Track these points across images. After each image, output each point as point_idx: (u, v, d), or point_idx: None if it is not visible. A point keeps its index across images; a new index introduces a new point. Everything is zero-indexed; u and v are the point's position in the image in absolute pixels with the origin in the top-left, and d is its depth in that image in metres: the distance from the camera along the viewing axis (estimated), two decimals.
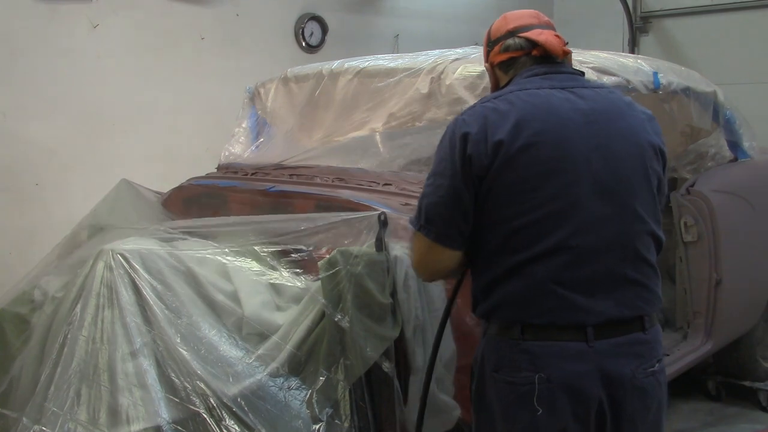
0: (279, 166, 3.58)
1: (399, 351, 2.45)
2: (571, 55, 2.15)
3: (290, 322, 2.47)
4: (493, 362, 2.01)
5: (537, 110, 1.97)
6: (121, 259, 2.48)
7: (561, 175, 1.93)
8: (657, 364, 2.02)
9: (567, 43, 2.13)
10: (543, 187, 1.92)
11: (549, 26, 2.17)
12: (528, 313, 1.95)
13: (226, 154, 4.02)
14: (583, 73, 2.16)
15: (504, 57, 2.13)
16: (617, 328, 1.95)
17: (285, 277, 2.60)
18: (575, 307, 1.92)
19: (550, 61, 2.10)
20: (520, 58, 2.11)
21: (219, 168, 3.97)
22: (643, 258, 1.99)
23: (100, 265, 2.48)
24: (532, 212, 1.93)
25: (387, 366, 2.36)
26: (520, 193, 1.93)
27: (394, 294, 2.44)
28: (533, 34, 2.10)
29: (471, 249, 2.03)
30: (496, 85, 2.20)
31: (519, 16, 2.18)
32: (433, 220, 1.98)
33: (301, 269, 2.61)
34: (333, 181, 3.20)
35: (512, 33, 2.13)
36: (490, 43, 2.20)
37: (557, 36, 2.11)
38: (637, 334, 1.98)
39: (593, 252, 1.93)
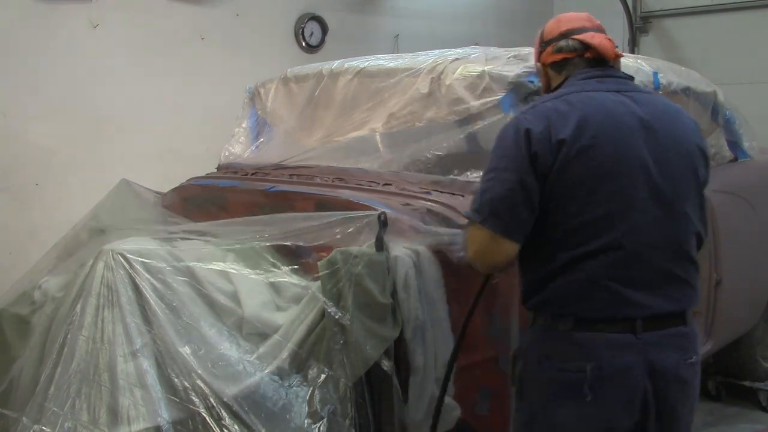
0: (279, 166, 3.58)
1: (399, 350, 2.45)
2: (620, 59, 2.24)
3: (290, 322, 2.47)
4: (544, 350, 2.10)
5: (595, 113, 2.05)
6: (121, 259, 2.48)
7: (618, 177, 2.03)
8: (695, 356, 2.13)
9: (617, 46, 2.21)
10: (601, 188, 2.02)
11: (600, 30, 2.25)
12: (581, 306, 2.04)
13: (226, 154, 4.02)
14: (632, 78, 2.24)
15: (557, 58, 2.22)
16: (662, 321, 2.06)
17: (285, 276, 2.60)
18: (626, 302, 2.02)
19: (602, 64, 2.19)
20: (572, 60, 2.20)
21: (219, 168, 3.97)
22: (688, 257, 2.11)
23: (100, 265, 2.48)
24: (590, 211, 2.02)
25: (387, 365, 2.37)
26: (579, 193, 2.02)
27: (394, 294, 2.44)
28: (586, 37, 2.18)
29: (525, 243, 2.09)
30: (547, 84, 2.29)
31: (572, 18, 2.25)
32: (499, 213, 2.03)
33: (301, 269, 2.61)
34: (333, 181, 3.20)
35: (565, 35, 2.21)
36: (543, 44, 2.27)
37: (609, 39, 2.20)
38: (680, 327, 2.09)
39: (645, 250, 2.04)
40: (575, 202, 2.02)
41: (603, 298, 2.03)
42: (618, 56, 2.20)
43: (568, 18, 2.26)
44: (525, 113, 2.10)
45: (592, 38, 2.18)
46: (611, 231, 2.01)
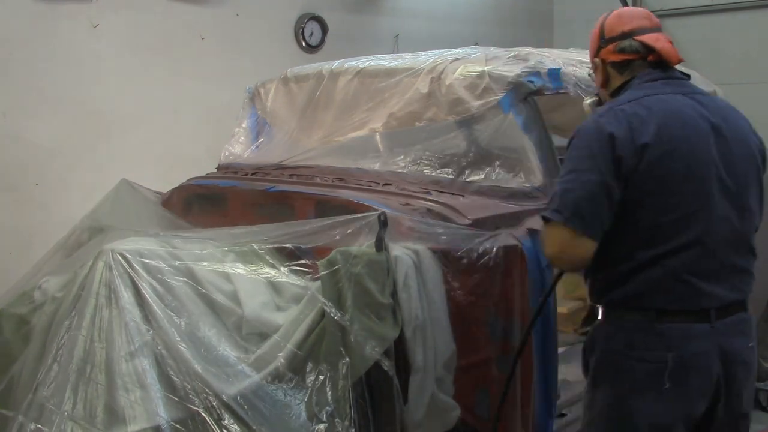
0: (279, 166, 3.58)
1: (399, 350, 2.45)
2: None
3: (290, 322, 2.47)
4: (623, 342, 2.20)
5: (672, 117, 2.16)
6: (121, 259, 2.48)
7: (695, 178, 2.14)
8: (753, 341, 2.28)
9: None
10: (681, 189, 2.14)
11: (659, 28, 2.32)
12: (662, 299, 2.16)
13: (226, 154, 4.02)
14: (689, 76, 2.33)
15: (619, 58, 2.29)
16: (729, 309, 2.20)
17: (285, 276, 2.60)
18: (703, 294, 2.16)
19: (663, 66, 2.28)
20: (635, 62, 2.27)
21: (219, 168, 3.97)
22: (750, 248, 2.26)
23: (100, 264, 2.47)
24: (671, 212, 2.14)
25: (387, 365, 2.36)
26: (661, 194, 2.13)
27: (394, 294, 2.44)
28: (650, 39, 2.25)
29: (604, 241, 2.17)
30: (605, 81, 2.36)
31: (633, 16, 2.31)
32: (581, 213, 2.11)
33: (301, 269, 2.61)
34: (333, 181, 3.20)
35: (628, 35, 2.27)
36: (604, 41, 2.33)
37: (670, 41, 2.28)
38: (742, 314, 2.24)
39: (718, 246, 2.17)
40: (657, 203, 2.13)
41: (682, 291, 2.15)
42: (680, 61, 2.28)
43: (629, 15, 2.31)
44: (603, 116, 2.17)
45: (656, 41, 2.24)
46: (690, 230, 2.13)
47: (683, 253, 2.14)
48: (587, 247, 2.14)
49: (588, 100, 2.56)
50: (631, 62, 2.28)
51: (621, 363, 2.21)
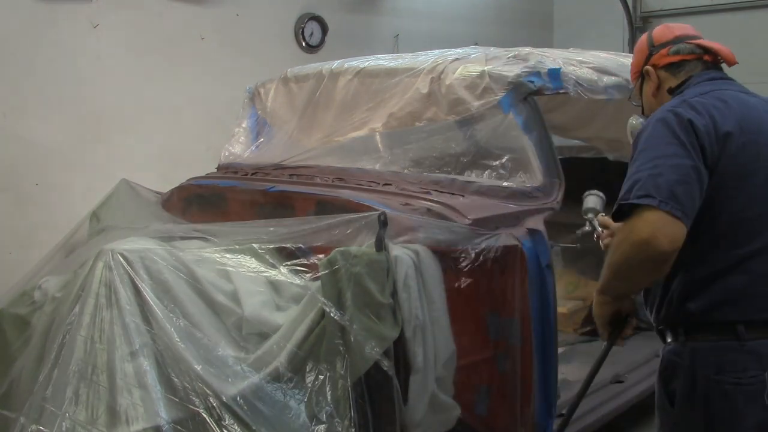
0: (279, 166, 3.58)
1: (399, 350, 2.45)
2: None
3: (290, 322, 2.47)
4: (711, 366, 2.03)
5: (749, 110, 2.11)
6: (121, 259, 2.48)
7: None
8: None
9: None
10: (761, 183, 2.04)
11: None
12: (750, 308, 2.01)
13: (226, 154, 4.02)
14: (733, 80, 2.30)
15: (675, 59, 2.27)
16: None
17: (285, 276, 2.60)
18: None
19: (717, 67, 2.28)
20: (691, 62, 2.26)
21: (219, 168, 3.98)
22: None
23: (100, 265, 2.47)
24: (755, 207, 2.03)
25: (386, 365, 2.36)
26: (743, 187, 2.03)
27: (394, 294, 2.44)
28: (704, 41, 2.27)
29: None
30: (657, 87, 2.31)
31: (681, 25, 2.35)
32: (677, 196, 1.93)
33: (301, 269, 2.61)
34: (333, 181, 3.20)
35: (680, 39, 2.28)
36: (654, 47, 2.32)
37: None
38: None
39: None
40: (740, 197, 2.03)
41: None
42: (736, 63, 2.29)
43: (677, 25, 2.35)
44: (678, 107, 2.06)
45: (712, 43, 2.26)
46: None
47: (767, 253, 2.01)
48: (681, 231, 1.92)
49: (635, 120, 2.46)
50: (686, 63, 2.26)
51: (713, 389, 2.03)
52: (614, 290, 2.17)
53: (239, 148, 4.01)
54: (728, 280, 2.02)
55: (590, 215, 2.65)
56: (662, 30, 2.34)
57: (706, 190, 2.00)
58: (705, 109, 2.05)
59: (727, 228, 2.03)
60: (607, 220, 2.42)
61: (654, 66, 2.30)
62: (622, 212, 2.00)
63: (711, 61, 2.26)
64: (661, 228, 1.91)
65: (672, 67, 2.28)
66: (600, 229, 2.52)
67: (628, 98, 2.60)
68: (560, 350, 3.06)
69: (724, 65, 2.33)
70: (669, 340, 2.15)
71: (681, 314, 2.09)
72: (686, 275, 2.07)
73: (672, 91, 2.25)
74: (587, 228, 2.67)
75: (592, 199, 2.70)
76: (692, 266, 2.06)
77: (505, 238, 2.72)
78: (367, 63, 3.60)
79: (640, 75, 2.36)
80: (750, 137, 2.05)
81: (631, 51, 7.53)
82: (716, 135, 2.02)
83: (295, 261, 2.63)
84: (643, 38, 2.38)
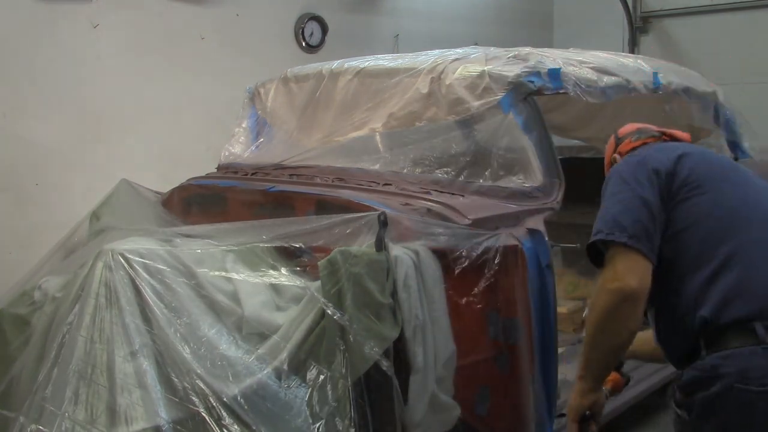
0: (279, 166, 3.58)
1: (399, 350, 2.45)
2: None
3: (290, 322, 2.47)
4: (734, 375, 1.98)
5: (689, 146, 2.39)
6: (121, 259, 2.47)
7: (728, 179, 2.27)
8: None
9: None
10: (721, 188, 2.21)
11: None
12: (757, 298, 2.02)
13: (226, 154, 4.02)
14: None
15: (637, 143, 2.49)
16: None
17: (285, 276, 2.60)
18: None
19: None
20: (650, 144, 2.48)
21: (219, 168, 3.98)
22: None
23: (100, 265, 2.47)
24: (719, 209, 2.17)
25: (386, 365, 2.36)
26: (712, 189, 2.19)
27: (394, 294, 2.44)
28: (664, 129, 2.56)
29: (671, 258, 2.15)
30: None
31: (644, 124, 2.64)
32: (621, 223, 2.12)
33: (301, 269, 2.61)
34: (333, 181, 3.20)
35: (641, 131, 2.57)
36: (618, 140, 2.62)
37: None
38: None
39: None
40: (712, 197, 2.18)
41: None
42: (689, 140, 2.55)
43: (639, 124, 2.63)
44: (625, 158, 2.38)
45: (668, 129, 2.54)
46: (756, 218, 2.17)
47: (755, 244, 2.08)
48: (642, 264, 2.08)
49: None
50: (647, 145, 2.46)
51: (737, 397, 1.97)
52: (595, 364, 2.22)
53: (239, 148, 4.01)
54: (726, 279, 2.05)
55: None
56: (626, 127, 2.63)
57: (674, 207, 2.16)
58: (650, 152, 2.32)
59: (706, 233, 2.12)
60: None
61: (620, 153, 2.52)
62: (592, 257, 2.24)
63: (670, 139, 2.51)
64: (627, 268, 2.06)
65: (635, 151, 2.45)
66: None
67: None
68: (560, 350, 3.06)
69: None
70: (692, 361, 2.11)
71: (697, 326, 2.07)
72: (688, 286, 2.10)
73: None
74: None
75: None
76: (689, 277, 2.11)
77: (505, 238, 2.72)
78: (367, 63, 3.60)
79: (611, 165, 2.53)
80: (698, 155, 2.28)
81: (631, 51, 7.59)
82: (667, 160, 2.22)
83: (295, 261, 2.63)
84: (611, 137, 2.67)
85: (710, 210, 2.15)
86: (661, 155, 2.26)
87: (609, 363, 2.26)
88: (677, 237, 2.15)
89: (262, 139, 3.99)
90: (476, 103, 3.08)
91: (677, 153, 2.25)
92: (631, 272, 2.06)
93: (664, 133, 2.52)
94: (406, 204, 2.82)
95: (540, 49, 3.42)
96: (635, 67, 3.59)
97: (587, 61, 3.36)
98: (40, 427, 2.23)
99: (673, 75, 3.77)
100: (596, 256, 2.24)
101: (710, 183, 2.19)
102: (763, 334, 1.98)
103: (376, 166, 3.28)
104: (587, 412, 2.32)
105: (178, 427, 2.26)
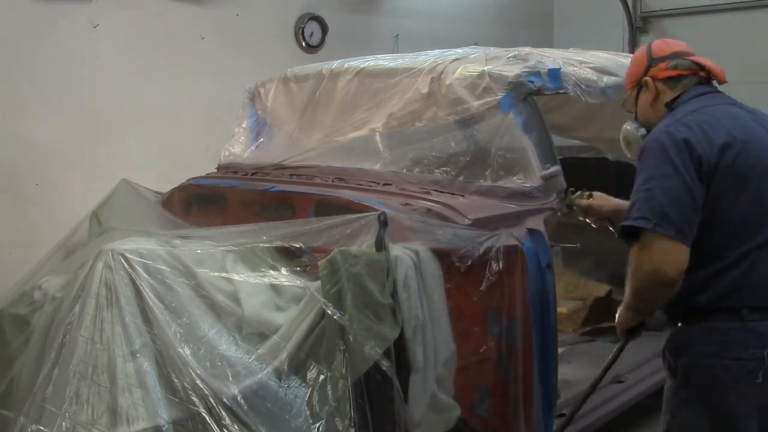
0: (279, 166, 3.58)
1: (398, 350, 2.45)
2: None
3: (290, 322, 2.47)
4: (718, 343, 2.26)
5: (736, 122, 2.31)
6: (121, 259, 2.47)
7: (766, 177, 2.27)
8: None
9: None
10: (761, 186, 2.25)
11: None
12: (753, 296, 2.24)
13: (226, 154, 4.02)
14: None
15: (673, 73, 2.45)
16: None
17: (285, 276, 2.60)
18: None
19: (709, 83, 2.48)
20: (687, 77, 2.45)
21: (219, 168, 3.98)
22: None
23: (100, 265, 2.47)
24: (755, 207, 2.24)
25: (386, 365, 2.36)
26: (743, 191, 2.23)
27: (394, 294, 2.44)
28: (700, 59, 2.49)
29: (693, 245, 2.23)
30: (654, 98, 2.48)
31: (678, 42, 2.54)
32: (672, 219, 2.17)
33: (301, 269, 2.61)
34: (333, 181, 3.20)
35: (678, 54, 2.48)
36: (653, 60, 2.49)
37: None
38: None
39: None
40: (741, 200, 2.23)
41: None
42: (725, 81, 2.49)
43: (674, 41, 2.54)
44: (672, 126, 2.27)
45: (706, 61, 2.48)
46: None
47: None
48: (683, 251, 2.18)
49: (630, 126, 2.60)
50: (683, 78, 2.44)
51: (717, 365, 2.25)
52: (637, 309, 2.41)
53: (239, 148, 4.00)
54: (735, 273, 2.23)
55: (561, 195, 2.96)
56: (661, 44, 2.52)
57: (708, 199, 2.21)
58: (698, 125, 2.26)
59: (733, 229, 2.24)
60: (592, 203, 2.88)
61: (653, 77, 2.47)
62: (626, 232, 2.27)
63: (705, 77, 2.46)
64: (665, 257, 2.18)
65: (669, 81, 2.45)
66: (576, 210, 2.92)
67: (622, 105, 2.72)
68: (560, 350, 3.07)
69: (723, 64, 2.49)
70: (679, 324, 2.38)
71: (692, 305, 2.30)
72: (697, 273, 2.25)
73: (668, 105, 2.43)
74: (561, 206, 2.97)
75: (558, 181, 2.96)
76: (703, 265, 2.25)
77: (505, 238, 2.72)
78: (367, 63, 3.60)
79: (638, 84, 2.53)
80: (741, 146, 2.25)
81: (631, 51, 7.56)
82: (711, 147, 2.22)
83: (295, 261, 2.63)
84: (642, 50, 2.55)
85: (731, 214, 2.24)
86: (705, 140, 2.23)
87: (650, 310, 2.44)
88: (700, 229, 2.24)
89: (262, 139, 3.99)
90: (476, 103, 3.08)
91: (721, 141, 2.23)
92: (671, 261, 2.18)
93: (700, 67, 2.46)
94: (406, 204, 2.82)
95: (540, 49, 3.42)
96: None
97: (587, 61, 3.36)
98: (41, 427, 2.23)
99: None
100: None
101: (744, 183, 2.24)
102: (746, 315, 2.23)
103: (376, 166, 3.29)
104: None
105: (178, 427, 2.26)
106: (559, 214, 2.97)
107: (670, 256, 2.17)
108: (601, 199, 2.91)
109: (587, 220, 2.96)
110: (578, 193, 2.96)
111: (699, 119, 2.28)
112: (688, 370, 2.33)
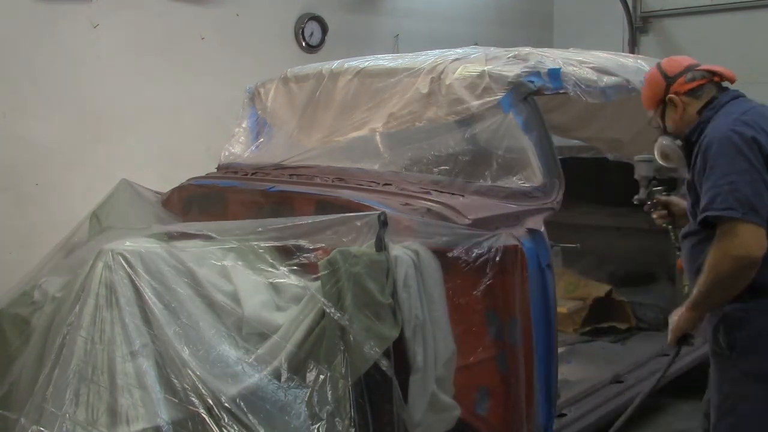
0: (279, 166, 3.58)
1: (398, 350, 2.45)
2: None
3: (290, 322, 2.47)
4: None
5: None
6: (121, 259, 2.48)
7: None
8: None
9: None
10: None
11: None
12: None
13: (226, 154, 4.02)
14: None
15: (693, 85, 2.67)
16: None
17: (285, 276, 2.60)
18: None
19: (725, 86, 2.71)
20: (705, 85, 2.67)
21: (219, 168, 3.98)
22: None
23: (100, 265, 2.47)
24: None
25: (386, 365, 2.37)
26: None
27: (394, 294, 2.44)
28: (708, 66, 2.71)
29: None
30: (683, 111, 2.68)
31: (686, 58, 2.78)
32: (757, 209, 2.36)
33: (301, 269, 2.61)
34: (333, 181, 3.20)
35: (690, 68, 2.70)
36: (669, 79, 2.70)
37: None
38: None
39: None
40: None
41: None
42: (735, 80, 2.72)
43: (682, 57, 2.78)
44: (735, 125, 2.47)
45: (715, 67, 2.70)
46: None
47: None
48: (764, 236, 2.37)
49: (666, 140, 2.75)
50: (702, 86, 2.66)
51: None
52: (708, 304, 2.55)
53: (239, 148, 4.01)
54: None
55: (645, 183, 3.07)
56: (670, 62, 2.75)
57: None
58: (757, 124, 2.48)
59: None
60: (671, 199, 3.03)
61: (676, 93, 2.67)
62: (706, 221, 2.43)
63: (719, 81, 2.68)
64: (752, 239, 2.37)
65: (693, 92, 2.66)
66: (654, 202, 3.03)
67: (648, 123, 2.89)
68: (560, 350, 3.07)
69: (723, 64, 2.63)
70: (734, 301, 2.50)
71: (756, 285, 2.45)
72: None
73: (701, 111, 2.63)
74: (642, 195, 3.07)
75: (644, 167, 3.07)
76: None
77: (505, 238, 2.72)
78: (367, 63, 3.60)
79: (662, 103, 2.72)
80: None
81: (631, 51, 7.56)
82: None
83: (295, 261, 2.63)
84: (653, 72, 2.76)
85: None
86: (763, 137, 2.43)
87: (718, 305, 2.56)
88: None
89: (262, 139, 3.99)
90: (476, 103, 3.08)
91: None
92: (757, 245, 2.38)
93: (713, 74, 2.67)
94: (406, 204, 2.82)
95: (540, 49, 3.42)
96: (635, 67, 3.59)
97: (587, 61, 3.37)
98: (41, 428, 2.23)
99: None
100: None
101: None
102: None
103: (376, 166, 3.28)
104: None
105: (178, 428, 2.26)
106: (635, 202, 3.10)
107: (758, 241, 2.37)
108: (677, 198, 3.07)
109: (653, 215, 3.07)
110: (660, 187, 3.08)
111: (754, 119, 2.50)
112: (747, 343, 2.48)
